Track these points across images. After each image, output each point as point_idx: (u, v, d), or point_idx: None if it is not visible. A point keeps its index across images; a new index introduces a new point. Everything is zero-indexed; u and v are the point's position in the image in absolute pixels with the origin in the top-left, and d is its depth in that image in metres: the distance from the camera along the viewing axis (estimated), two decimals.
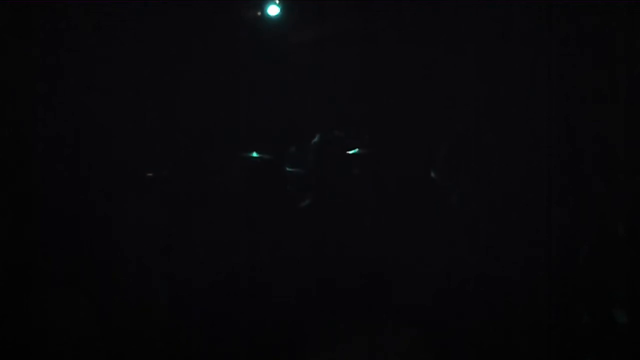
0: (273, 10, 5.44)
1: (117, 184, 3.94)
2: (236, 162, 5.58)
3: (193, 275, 3.54)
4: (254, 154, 5.06)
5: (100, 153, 4.75)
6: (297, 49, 6.41)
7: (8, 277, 3.17)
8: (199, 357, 3.55)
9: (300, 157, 5.55)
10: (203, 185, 4.09)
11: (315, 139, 5.28)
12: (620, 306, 3.76)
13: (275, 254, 3.55)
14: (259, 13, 5.67)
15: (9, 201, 3.75)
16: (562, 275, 3.83)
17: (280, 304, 3.46)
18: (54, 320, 2.66)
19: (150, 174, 4.69)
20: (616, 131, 5.58)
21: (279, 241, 3.58)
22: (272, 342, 3.47)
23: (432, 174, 4.99)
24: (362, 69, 6.33)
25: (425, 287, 3.36)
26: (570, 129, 5.46)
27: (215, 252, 3.62)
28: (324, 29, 6.28)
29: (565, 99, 5.61)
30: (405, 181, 5.71)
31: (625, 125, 5.66)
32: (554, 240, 3.87)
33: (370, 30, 6.19)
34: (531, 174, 4.49)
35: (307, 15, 5.82)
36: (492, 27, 6.12)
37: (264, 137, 5.99)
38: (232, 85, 6.40)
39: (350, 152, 5.25)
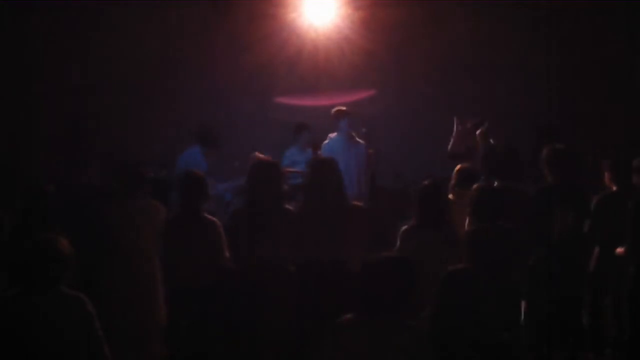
0: None
1: (116, 184, 3.94)
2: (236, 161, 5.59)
3: (192, 274, 3.54)
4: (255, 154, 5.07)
5: (100, 152, 4.76)
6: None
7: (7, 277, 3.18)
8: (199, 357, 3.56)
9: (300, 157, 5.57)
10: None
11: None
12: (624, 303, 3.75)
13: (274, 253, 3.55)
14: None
15: (9, 201, 3.77)
16: (564, 275, 3.84)
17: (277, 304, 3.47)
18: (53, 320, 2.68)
19: (151, 174, 4.70)
20: (616, 131, 5.60)
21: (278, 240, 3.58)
22: (270, 340, 3.47)
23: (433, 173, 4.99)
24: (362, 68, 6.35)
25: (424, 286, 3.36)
26: (569, 128, 5.47)
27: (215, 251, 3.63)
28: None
29: (565, 98, 5.64)
30: (405, 180, 5.72)
31: (625, 124, 5.68)
32: (554, 241, 3.88)
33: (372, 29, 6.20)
34: (531, 174, 4.49)
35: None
36: (492, 27, 6.14)
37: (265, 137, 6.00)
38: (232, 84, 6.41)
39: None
